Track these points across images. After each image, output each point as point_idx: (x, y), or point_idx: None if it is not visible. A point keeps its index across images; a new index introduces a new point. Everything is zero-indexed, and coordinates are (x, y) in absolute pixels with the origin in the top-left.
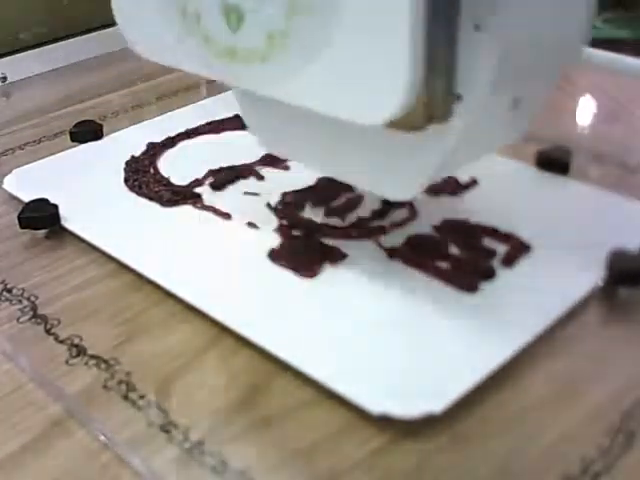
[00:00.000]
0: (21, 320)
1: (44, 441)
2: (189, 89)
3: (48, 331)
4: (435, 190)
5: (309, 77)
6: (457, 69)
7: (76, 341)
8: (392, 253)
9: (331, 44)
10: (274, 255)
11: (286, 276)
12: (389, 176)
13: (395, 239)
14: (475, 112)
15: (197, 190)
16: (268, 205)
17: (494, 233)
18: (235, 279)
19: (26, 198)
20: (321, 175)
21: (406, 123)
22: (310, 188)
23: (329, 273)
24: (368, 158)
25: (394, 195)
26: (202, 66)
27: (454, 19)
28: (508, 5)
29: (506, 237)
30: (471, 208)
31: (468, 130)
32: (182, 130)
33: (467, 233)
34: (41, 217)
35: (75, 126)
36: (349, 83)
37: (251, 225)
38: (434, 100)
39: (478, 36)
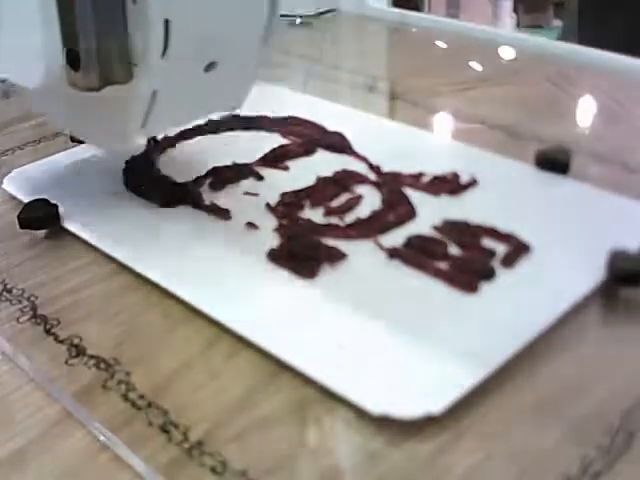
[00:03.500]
0: (21, 320)
1: (44, 441)
2: None
3: (48, 331)
4: (435, 190)
5: None
6: (128, 38)
7: (76, 341)
8: (392, 253)
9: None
10: (274, 255)
11: (286, 276)
12: (104, 129)
13: (395, 239)
14: (156, 75)
15: (197, 190)
16: (268, 205)
17: (494, 233)
18: (235, 279)
19: (26, 198)
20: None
21: (82, 85)
22: (310, 188)
23: (328, 273)
24: (87, 115)
25: (110, 145)
26: None
27: None
28: None
29: (506, 237)
30: (471, 208)
31: (164, 90)
32: (182, 130)
33: (467, 233)
34: (41, 217)
35: None
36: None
37: (251, 225)
38: (108, 66)
39: (137, 8)
